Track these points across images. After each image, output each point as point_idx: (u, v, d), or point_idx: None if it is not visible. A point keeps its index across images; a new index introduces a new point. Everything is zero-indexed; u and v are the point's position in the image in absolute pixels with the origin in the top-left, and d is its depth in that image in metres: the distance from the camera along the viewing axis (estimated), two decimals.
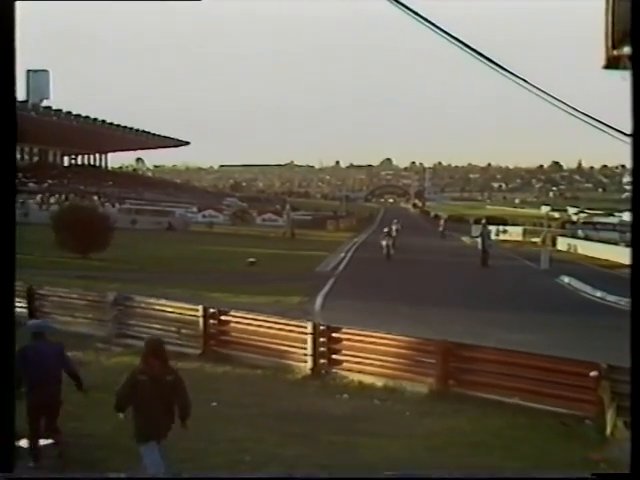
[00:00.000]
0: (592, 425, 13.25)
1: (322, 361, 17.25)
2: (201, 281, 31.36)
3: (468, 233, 72.21)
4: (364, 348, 16.72)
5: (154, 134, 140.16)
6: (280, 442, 12.05)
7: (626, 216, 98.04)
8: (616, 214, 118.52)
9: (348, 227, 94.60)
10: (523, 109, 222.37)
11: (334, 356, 17.21)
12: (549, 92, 6.83)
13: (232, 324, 18.99)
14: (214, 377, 16.85)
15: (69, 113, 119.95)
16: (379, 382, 16.21)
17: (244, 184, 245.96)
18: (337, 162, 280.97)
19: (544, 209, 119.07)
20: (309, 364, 17.20)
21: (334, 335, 17.27)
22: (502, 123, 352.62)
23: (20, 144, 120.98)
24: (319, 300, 27.76)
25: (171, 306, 20.31)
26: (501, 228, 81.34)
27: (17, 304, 22.31)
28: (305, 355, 17.30)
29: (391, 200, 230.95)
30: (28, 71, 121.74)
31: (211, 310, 19.32)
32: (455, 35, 6.55)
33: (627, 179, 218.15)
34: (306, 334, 17.35)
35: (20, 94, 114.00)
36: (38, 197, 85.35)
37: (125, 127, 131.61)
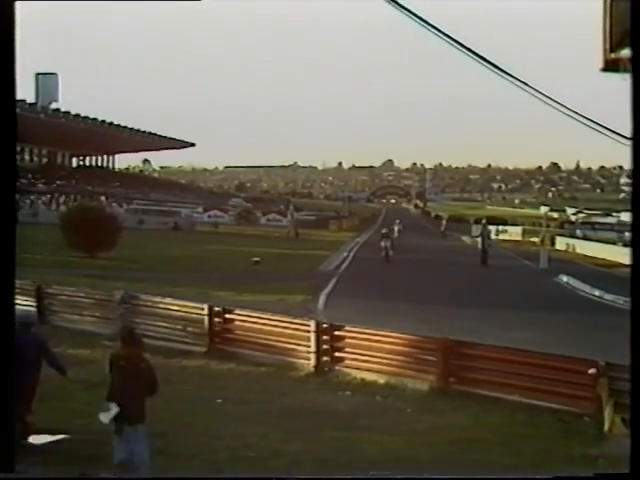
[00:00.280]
0: (590, 422, 13.23)
1: (325, 359, 17.24)
2: (206, 280, 31.33)
3: (468, 233, 72.20)
4: (366, 346, 16.71)
5: (160, 136, 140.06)
6: (283, 438, 12.04)
7: (624, 216, 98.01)
8: (614, 214, 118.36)
9: (350, 227, 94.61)
10: (522, 111, 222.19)
11: (337, 354, 17.21)
12: (548, 94, 6.80)
13: (237, 322, 18.99)
14: (219, 374, 16.85)
15: (77, 115, 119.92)
16: (381, 379, 16.20)
17: (249, 185, 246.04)
18: (340, 163, 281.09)
19: (543, 209, 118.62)
20: (312, 362, 17.19)
21: (337, 333, 17.26)
22: (502, 125, 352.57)
23: (29, 145, 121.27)
24: (322, 299, 27.75)
25: (177, 304, 20.30)
26: (501, 228, 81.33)
27: (26, 303, 22.34)
28: (308, 353, 17.29)
29: (393, 201, 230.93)
30: (37, 74, 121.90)
31: (216, 308, 19.32)
32: (456, 38, 6.52)
33: (624, 180, 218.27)
34: (309, 332, 17.34)
35: (29, 97, 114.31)
36: (45, 198, 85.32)
37: (132, 129, 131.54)
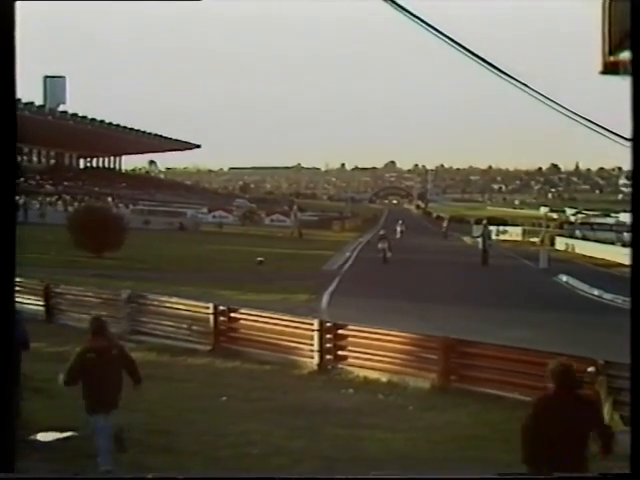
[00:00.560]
0: None
1: (328, 357, 17.24)
2: (211, 279, 31.33)
3: (469, 233, 72.16)
4: (369, 344, 16.71)
5: (166, 137, 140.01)
6: (287, 435, 12.04)
7: (622, 217, 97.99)
8: (612, 215, 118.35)
9: (353, 227, 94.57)
10: (523, 113, 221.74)
11: (340, 352, 17.21)
12: (548, 96, 6.80)
13: (241, 321, 18.99)
14: (224, 372, 16.86)
15: (84, 117, 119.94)
16: (383, 377, 16.19)
17: (253, 186, 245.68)
18: (342, 165, 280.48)
19: (543, 210, 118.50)
20: (315, 360, 17.20)
21: (340, 332, 17.26)
22: (502, 127, 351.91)
23: (37, 147, 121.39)
24: (325, 298, 27.75)
25: (182, 304, 20.32)
26: (501, 228, 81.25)
27: (34, 302, 22.39)
28: (312, 351, 17.29)
29: (395, 201, 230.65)
30: (45, 77, 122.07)
31: (221, 308, 19.34)
32: (458, 40, 6.52)
33: (623, 181, 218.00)
34: (313, 331, 17.35)
35: (38, 99, 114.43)
36: (51, 198, 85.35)
37: (138, 131, 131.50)
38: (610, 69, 6.49)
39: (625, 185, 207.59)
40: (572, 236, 73.23)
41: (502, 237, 74.39)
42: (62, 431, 11.15)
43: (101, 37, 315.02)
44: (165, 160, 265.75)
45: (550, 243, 57.59)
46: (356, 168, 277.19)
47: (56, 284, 23.12)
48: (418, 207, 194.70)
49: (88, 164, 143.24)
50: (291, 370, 17.04)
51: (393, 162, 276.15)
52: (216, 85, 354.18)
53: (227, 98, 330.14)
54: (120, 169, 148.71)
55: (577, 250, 61.58)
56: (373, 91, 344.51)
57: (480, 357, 15.53)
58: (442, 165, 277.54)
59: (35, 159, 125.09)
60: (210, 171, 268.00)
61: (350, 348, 17.10)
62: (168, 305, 20.58)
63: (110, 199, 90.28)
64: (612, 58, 6.48)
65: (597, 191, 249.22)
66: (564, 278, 37.38)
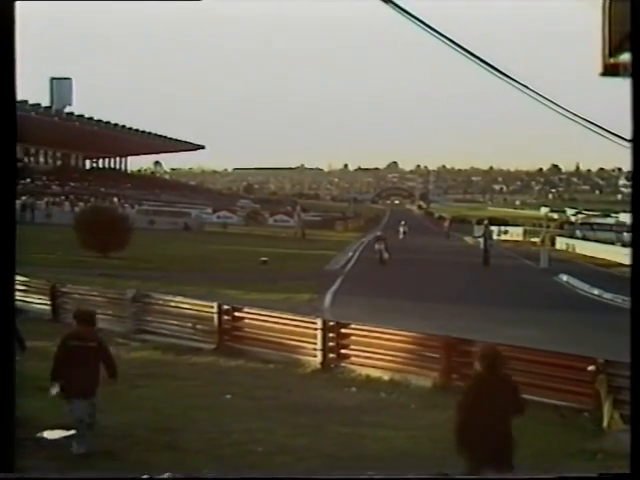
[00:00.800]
0: (589, 417, 13.21)
1: (331, 356, 17.23)
2: (216, 279, 31.33)
3: (470, 233, 72.17)
4: (371, 343, 16.69)
5: (171, 138, 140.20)
6: (290, 433, 12.03)
7: (622, 217, 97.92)
8: (612, 215, 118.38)
9: (356, 227, 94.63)
10: (523, 115, 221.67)
11: (343, 351, 17.19)
12: (548, 98, 6.79)
13: (245, 320, 18.98)
14: (228, 371, 16.84)
15: (90, 118, 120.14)
16: (385, 376, 16.18)
17: (257, 186, 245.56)
18: (345, 165, 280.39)
19: (543, 210, 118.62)
20: (319, 358, 17.18)
21: (343, 331, 17.25)
22: (503, 128, 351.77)
23: (44, 148, 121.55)
24: (328, 297, 27.75)
25: (187, 303, 20.31)
26: (503, 228, 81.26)
27: (41, 301, 22.41)
28: (315, 350, 17.27)
29: (397, 202, 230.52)
30: (52, 79, 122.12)
31: (225, 307, 19.32)
32: (458, 42, 6.51)
33: (623, 181, 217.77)
34: (316, 330, 17.33)
35: (44, 101, 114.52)
36: (57, 199, 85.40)
37: (143, 132, 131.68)
38: (610, 71, 6.48)
39: (625, 186, 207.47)
40: (572, 236, 73.28)
41: (503, 237, 74.41)
42: (68, 429, 11.14)
43: (105, 39, 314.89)
44: (170, 161, 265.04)
45: (551, 243, 57.59)
46: (359, 169, 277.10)
47: (62, 284, 23.12)
48: (420, 207, 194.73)
49: (94, 165, 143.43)
50: (294, 369, 17.03)
51: (395, 163, 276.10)
52: (220, 87, 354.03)
53: (231, 100, 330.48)
54: (126, 170, 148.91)
55: (577, 250, 61.60)
56: (376, 93, 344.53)
57: None
58: (444, 166, 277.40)
59: (42, 160, 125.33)
60: (214, 172, 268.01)
61: (353, 347, 17.09)
62: (173, 304, 20.58)
63: (116, 199, 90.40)
64: (612, 60, 6.46)
65: (597, 192, 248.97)
66: (564, 278, 37.39)
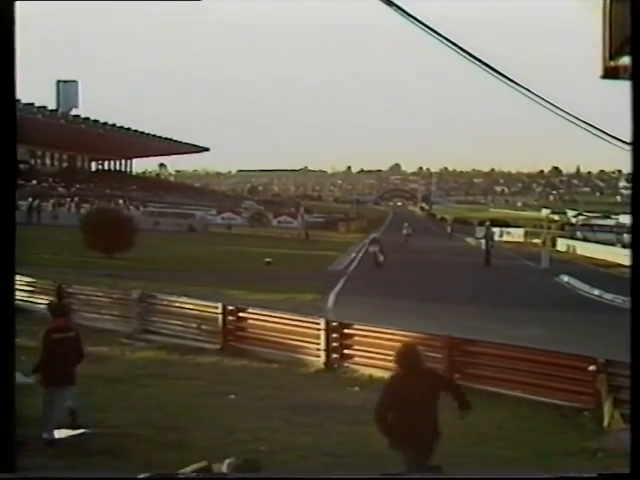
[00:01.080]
0: (590, 417, 13.21)
1: (334, 355, 17.24)
2: (220, 279, 31.31)
3: (472, 234, 72.14)
4: (374, 343, 16.68)
5: (176, 141, 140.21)
6: (294, 432, 12.04)
7: (622, 218, 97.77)
8: (613, 216, 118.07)
9: (359, 229, 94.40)
10: (525, 117, 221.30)
11: (346, 351, 17.20)
12: (550, 100, 6.79)
13: (250, 320, 18.99)
14: (232, 370, 16.86)
15: (96, 121, 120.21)
16: (388, 375, 16.16)
17: (261, 188, 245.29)
18: (348, 167, 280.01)
19: (544, 212, 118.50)
20: (322, 358, 17.19)
21: (346, 331, 17.26)
22: (505, 130, 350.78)
23: (50, 150, 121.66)
24: (332, 297, 27.74)
25: (192, 303, 20.33)
26: (505, 230, 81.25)
27: (47, 302, 22.43)
28: (318, 350, 17.28)
29: (399, 203, 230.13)
30: (58, 81, 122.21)
31: (230, 307, 19.34)
32: (461, 45, 6.52)
33: (623, 183, 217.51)
34: (319, 330, 17.34)
35: (50, 103, 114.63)
36: (60, 200, 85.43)
37: (149, 134, 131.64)
38: (611, 74, 6.48)
39: (625, 188, 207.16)
40: (573, 237, 73.12)
41: (505, 238, 74.39)
42: (75, 428, 11.16)
43: (110, 41, 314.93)
44: (175, 163, 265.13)
45: (552, 244, 57.60)
46: (362, 171, 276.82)
47: (68, 284, 23.14)
48: (422, 209, 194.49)
49: (100, 167, 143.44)
50: (298, 368, 17.03)
51: (398, 165, 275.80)
52: (224, 90, 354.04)
53: (235, 102, 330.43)
54: (131, 172, 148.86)
55: (578, 251, 61.47)
56: (379, 95, 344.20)
57: (484, 355, 15.54)
58: (446, 168, 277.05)
59: (48, 162, 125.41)
60: (219, 174, 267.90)
61: (356, 347, 17.09)
62: (177, 305, 20.60)
63: (121, 201, 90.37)
64: (613, 63, 6.46)
65: (597, 193, 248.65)
66: (565, 278, 37.35)
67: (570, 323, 23.42)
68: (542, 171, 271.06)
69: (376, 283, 33.84)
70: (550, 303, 28.88)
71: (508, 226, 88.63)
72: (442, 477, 7.57)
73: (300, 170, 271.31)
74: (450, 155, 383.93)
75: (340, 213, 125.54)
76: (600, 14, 6.35)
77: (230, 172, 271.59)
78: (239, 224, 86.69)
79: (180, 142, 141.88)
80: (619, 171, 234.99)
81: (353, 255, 50.07)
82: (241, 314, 19.17)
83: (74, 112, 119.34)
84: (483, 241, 47.60)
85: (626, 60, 6.13)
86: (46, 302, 22.26)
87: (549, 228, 59.71)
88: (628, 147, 5.84)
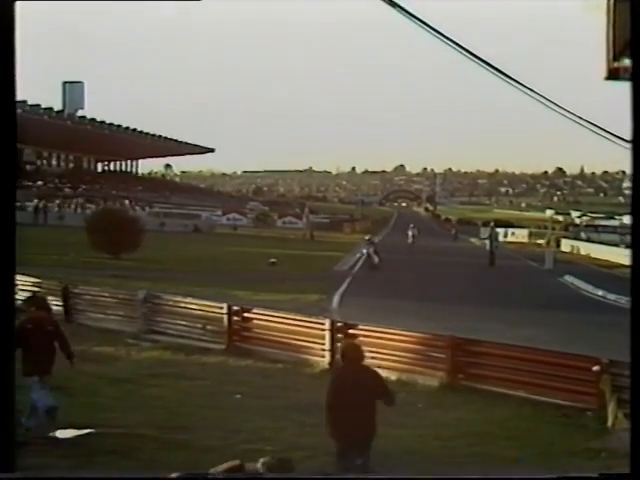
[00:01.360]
0: (593, 417, 13.20)
1: (339, 356, 17.21)
2: (225, 280, 31.30)
3: (476, 235, 72.13)
4: (379, 344, 16.67)
5: (181, 141, 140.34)
6: (299, 432, 12.04)
7: (626, 219, 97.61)
8: (616, 217, 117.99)
9: (363, 229, 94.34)
10: (529, 118, 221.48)
11: None
12: (554, 101, 6.79)
13: (255, 321, 18.99)
14: (237, 370, 16.85)
15: (102, 122, 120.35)
16: (392, 375, 16.14)
17: (266, 189, 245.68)
18: (353, 168, 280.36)
19: (548, 212, 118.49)
20: (327, 359, 17.17)
21: (351, 331, 17.22)
22: (509, 131, 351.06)
23: (57, 151, 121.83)
24: (336, 298, 27.73)
25: (197, 304, 20.33)
26: (510, 230, 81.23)
27: (53, 302, 22.44)
28: (323, 350, 17.27)
29: (404, 204, 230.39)
30: (64, 83, 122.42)
31: (235, 307, 19.33)
32: (465, 46, 6.51)
33: (627, 184, 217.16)
34: (324, 330, 17.32)
35: (56, 104, 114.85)
36: (70, 201, 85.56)
37: (154, 135, 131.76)
38: (614, 75, 6.47)
39: (628, 188, 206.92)
40: (577, 238, 73.14)
41: (509, 239, 74.36)
42: (81, 428, 11.17)
43: (115, 42, 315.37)
44: (180, 164, 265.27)
45: (556, 245, 57.54)
46: (366, 171, 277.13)
47: (74, 285, 23.16)
48: (427, 210, 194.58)
49: (106, 168, 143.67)
50: (303, 369, 17.02)
51: (402, 166, 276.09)
52: (230, 90, 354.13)
53: (240, 103, 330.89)
54: (137, 172, 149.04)
55: (582, 252, 61.46)
56: (383, 96, 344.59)
57: (487, 355, 15.54)
58: (450, 169, 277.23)
59: (54, 163, 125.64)
60: (224, 174, 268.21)
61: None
62: (183, 305, 20.60)
63: (127, 202, 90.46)
64: (616, 64, 6.45)
65: (601, 194, 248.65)
66: (569, 279, 37.35)
67: (574, 324, 23.38)
68: (546, 172, 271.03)
69: (381, 284, 33.80)
70: (554, 304, 28.86)
71: (512, 227, 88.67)
72: (443, 477, 7.57)
73: (305, 171, 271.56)
74: (454, 156, 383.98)
75: (345, 214, 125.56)
76: (604, 15, 6.34)
77: (235, 173, 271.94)
78: (244, 225, 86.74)
79: (185, 143, 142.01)
80: (623, 172, 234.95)
81: (358, 256, 50.04)
82: (246, 314, 19.17)
83: (80, 113, 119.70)
84: (487, 242, 47.63)
85: (629, 62, 6.13)
86: (53, 303, 22.43)
87: (553, 229, 59.67)
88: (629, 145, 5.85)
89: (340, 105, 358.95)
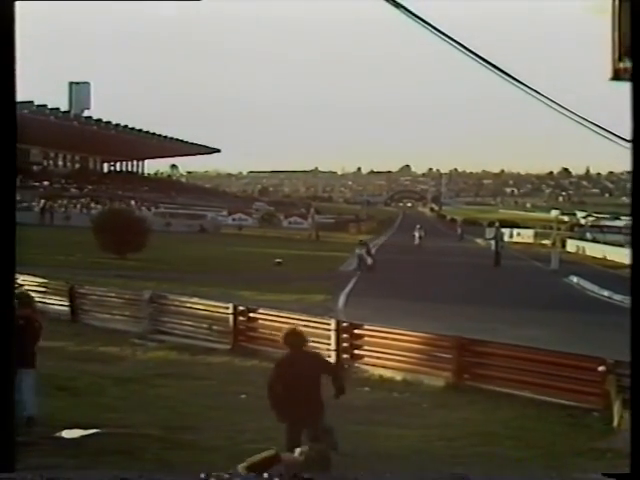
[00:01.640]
0: (598, 417, 13.19)
1: (345, 356, 17.23)
2: (231, 280, 31.32)
3: (482, 235, 72.07)
4: (384, 344, 16.70)
5: (187, 142, 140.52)
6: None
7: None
8: (622, 217, 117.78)
9: (369, 230, 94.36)
10: (534, 119, 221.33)
11: (356, 351, 17.20)
12: (559, 102, 6.78)
13: (260, 321, 18.99)
14: (243, 370, 16.85)
15: (108, 123, 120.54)
16: (398, 376, 16.18)
17: (271, 189, 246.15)
18: (358, 168, 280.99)
19: (554, 213, 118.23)
20: (332, 359, 17.17)
21: (356, 331, 17.25)
22: (514, 132, 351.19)
23: (63, 152, 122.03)
24: (342, 298, 27.72)
25: (203, 304, 20.36)
26: (515, 231, 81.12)
27: (59, 302, 22.48)
28: (329, 350, 17.24)
29: (409, 204, 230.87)
30: (70, 83, 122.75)
31: (240, 308, 19.35)
32: (470, 47, 6.51)
33: None
34: (330, 330, 17.32)
35: (63, 105, 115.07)
36: (77, 202, 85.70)
37: (160, 135, 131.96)
38: (620, 75, 6.47)
39: None
40: (582, 238, 72.90)
41: (515, 239, 74.27)
42: (86, 428, 11.19)
43: (121, 43, 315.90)
44: (186, 164, 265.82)
45: (561, 245, 57.46)
46: (372, 172, 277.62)
47: (80, 285, 23.20)
48: (432, 210, 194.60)
49: (112, 168, 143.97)
50: None
51: (408, 166, 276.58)
52: (236, 91, 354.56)
53: (246, 104, 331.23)
54: (142, 173, 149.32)
55: (587, 252, 61.28)
56: (389, 97, 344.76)
57: (492, 356, 15.55)
58: (455, 169, 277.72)
59: (60, 163, 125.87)
60: (230, 175, 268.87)
61: (366, 347, 17.09)
62: (188, 305, 20.63)
63: (133, 202, 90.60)
64: (622, 64, 6.45)
65: (607, 194, 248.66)
66: (575, 279, 37.27)
67: (579, 324, 23.33)
68: (551, 172, 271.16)
69: (386, 284, 33.75)
70: (559, 304, 28.82)
71: (517, 227, 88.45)
72: (445, 477, 7.57)
73: (310, 171, 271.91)
74: (460, 156, 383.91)
75: (350, 214, 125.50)
76: (609, 15, 6.34)
77: (241, 173, 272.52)
78: (250, 225, 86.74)
79: (191, 143, 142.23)
80: (628, 172, 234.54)
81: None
82: (252, 314, 19.19)
83: (86, 113, 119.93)
84: (493, 242, 47.59)
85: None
86: (60, 303, 22.48)
87: (558, 229, 59.58)
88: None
89: (346, 106, 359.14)
